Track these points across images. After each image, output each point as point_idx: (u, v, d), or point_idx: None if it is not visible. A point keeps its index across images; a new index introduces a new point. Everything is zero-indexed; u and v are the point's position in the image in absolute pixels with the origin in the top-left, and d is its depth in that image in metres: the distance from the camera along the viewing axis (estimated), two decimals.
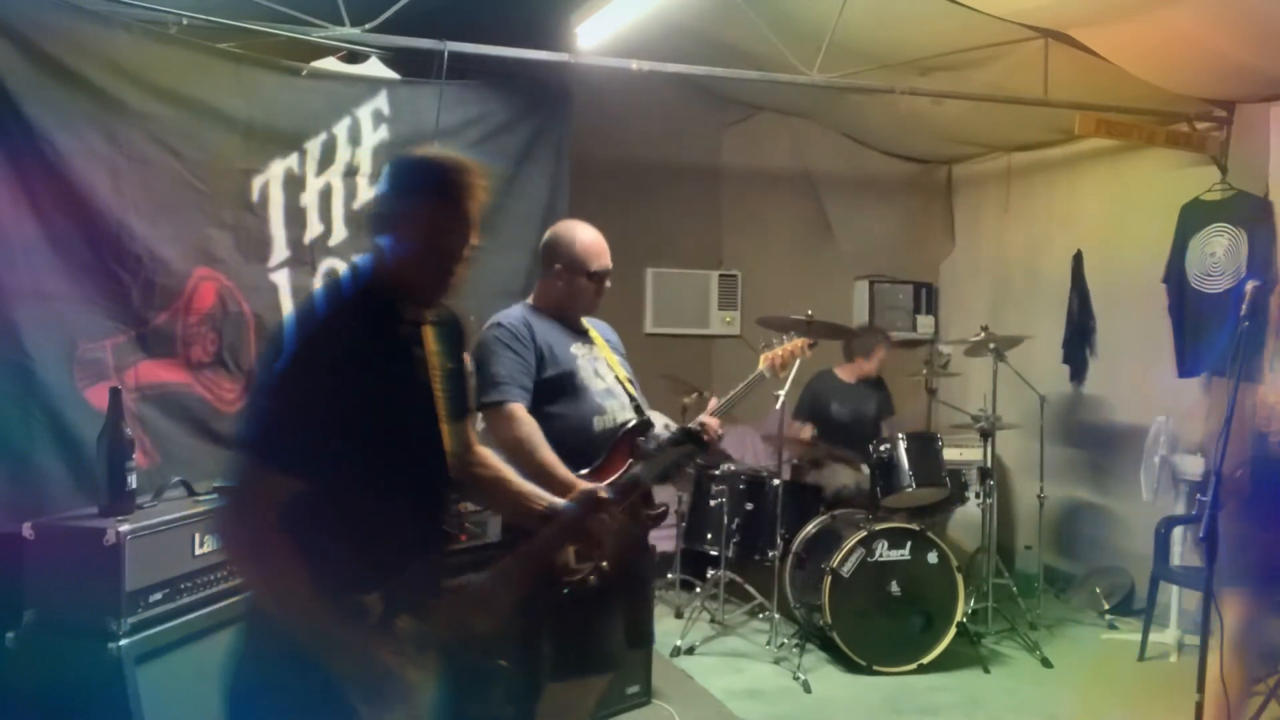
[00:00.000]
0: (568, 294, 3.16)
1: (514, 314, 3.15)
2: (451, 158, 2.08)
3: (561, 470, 2.90)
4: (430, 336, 2.12)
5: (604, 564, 2.84)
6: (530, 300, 3.25)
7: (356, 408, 1.90)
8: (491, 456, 2.38)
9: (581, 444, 3.02)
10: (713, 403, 3.24)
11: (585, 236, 3.18)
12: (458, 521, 2.25)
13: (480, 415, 3.07)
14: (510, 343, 3.04)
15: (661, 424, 3.37)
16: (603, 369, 3.17)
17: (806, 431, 5.92)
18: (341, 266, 4.55)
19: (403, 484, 2.01)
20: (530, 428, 2.97)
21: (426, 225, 2.02)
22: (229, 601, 3.19)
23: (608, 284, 3.20)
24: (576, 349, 3.15)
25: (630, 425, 3.12)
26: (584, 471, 2.99)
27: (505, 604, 2.14)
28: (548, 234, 3.25)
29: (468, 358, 2.79)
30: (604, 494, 2.17)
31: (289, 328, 2.05)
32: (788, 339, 3.59)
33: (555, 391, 3.06)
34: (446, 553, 2.14)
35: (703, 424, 3.11)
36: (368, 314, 2.02)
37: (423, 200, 2.03)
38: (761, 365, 3.43)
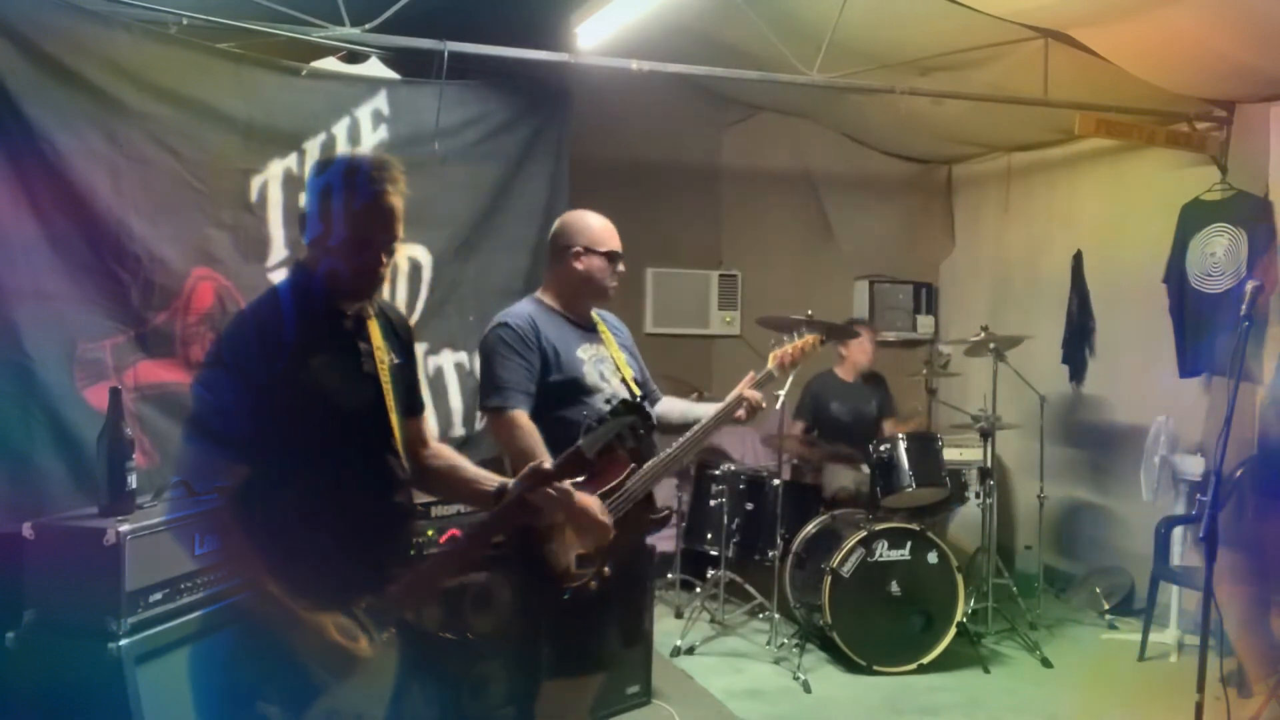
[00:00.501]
0: (585, 277, 3.16)
1: (521, 312, 3.14)
2: (365, 155, 2.23)
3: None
4: (374, 331, 2.23)
5: (605, 569, 2.85)
6: (540, 294, 3.24)
7: (286, 395, 2.03)
8: (445, 449, 2.47)
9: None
10: (749, 378, 3.31)
11: (598, 220, 3.21)
12: (413, 507, 2.35)
13: (481, 416, 3.09)
14: (515, 344, 3.03)
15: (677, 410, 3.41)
16: (609, 371, 3.16)
17: (797, 428, 5.92)
18: None
19: (348, 468, 2.11)
20: (530, 434, 2.97)
21: (343, 221, 2.13)
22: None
23: (621, 268, 3.21)
24: (584, 351, 3.14)
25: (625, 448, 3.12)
26: (581, 479, 2.99)
27: (497, 601, 2.26)
28: (557, 223, 3.26)
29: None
30: (546, 466, 2.25)
31: (230, 327, 2.24)
32: (796, 337, 3.59)
33: (560, 396, 3.05)
34: (404, 536, 2.25)
35: (745, 392, 3.22)
36: (299, 308, 2.13)
37: (336, 197, 2.14)
38: (770, 364, 3.44)
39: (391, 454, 2.20)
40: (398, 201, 2.17)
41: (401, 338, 2.35)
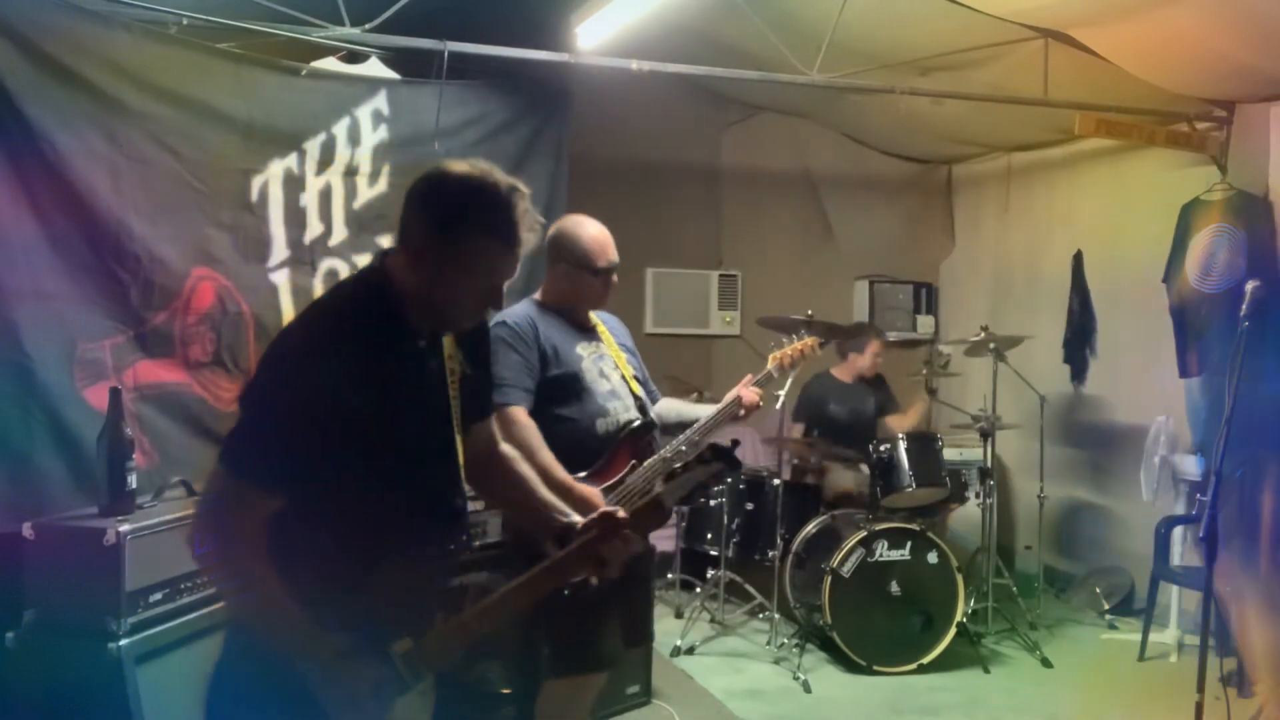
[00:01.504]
0: (574, 290, 3.16)
1: (519, 311, 3.14)
2: (510, 187, 1.89)
3: (560, 473, 2.91)
4: (449, 342, 1.99)
5: None
6: (537, 296, 3.24)
7: (343, 425, 1.77)
8: (516, 458, 2.25)
9: (584, 446, 3.03)
10: (748, 379, 3.32)
11: (590, 232, 3.16)
12: (466, 539, 2.10)
13: None
14: (514, 342, 3.04)
15: (674, 412, 3.41)
16: (608, 369, 3.16)
17: (797, 429, 5.92)
18: (341, 266, 4.56)
19: (400, 502, 1.89)
20: (530, 431, 2.97)
21: (475, 263, 1.85)
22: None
23: (614, 279, 3.20)
24: (582, 349, 3.14)
25: (632, 427, 3.13)
26: (582, 475, 3.00)
27: (506, 623, 2.02)
28: (552, 230, 3.24)
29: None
30: (623, 515, 2.00)
31: (282, 340, 1.92)
32: (796, 338, 3.60)
33: (559, 392, 3.05)
34: (448, 571, 2.01)
35: (743, 392, 3.23)
36: (369, 329, 1.86)
37: (478, 236, 1.85)
38: (770, 365, 3.44)
39: (450, 488, 2.00)
40: (530, 246, 1.92)
41: (476, 343, 2.09)
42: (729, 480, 2.48)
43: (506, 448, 2.24)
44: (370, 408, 1.80)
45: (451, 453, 1.98)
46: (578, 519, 2.10)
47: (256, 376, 1.86)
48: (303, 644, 1.78)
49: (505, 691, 3.22)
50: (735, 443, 2.21)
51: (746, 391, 3.31)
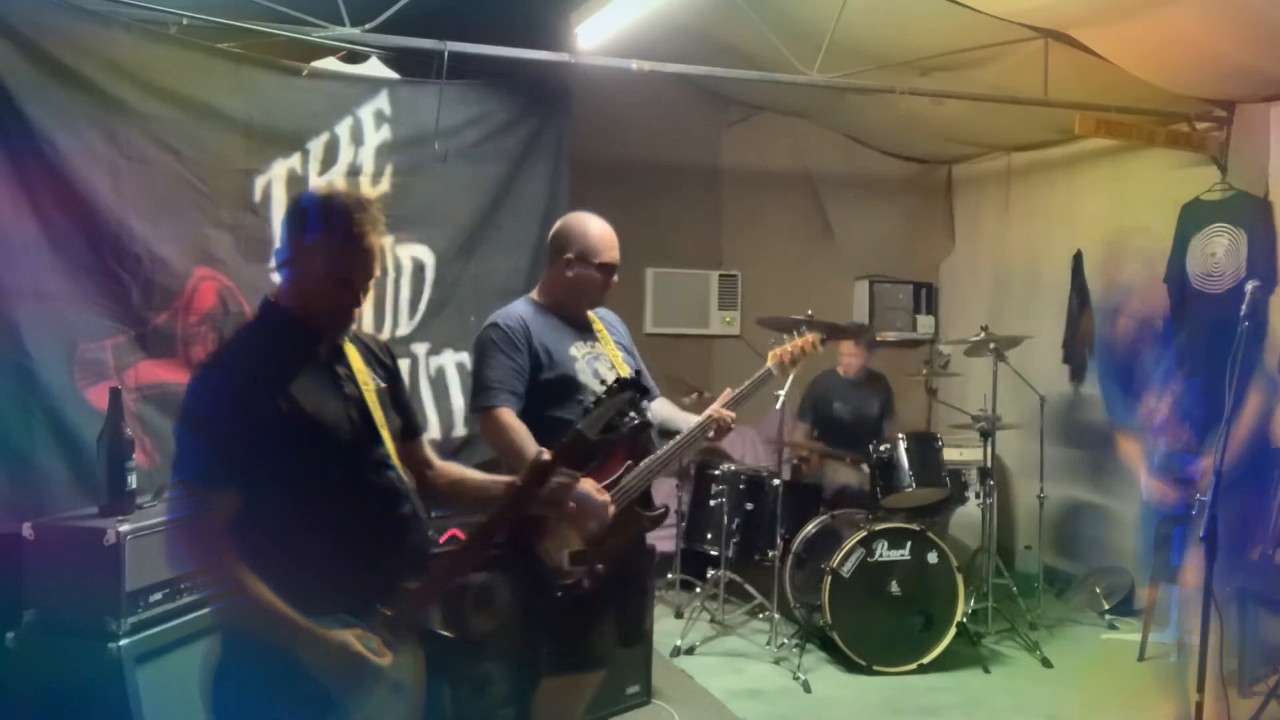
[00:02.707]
0: (575, 285, 3.15)
1: (512, 312, 3.14)
2: (340, 195, 2.17)
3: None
4: (353, 355, 2.23)
5: (599, 567, 2.85)
6: (534, 294, 3.24)
7: (272, 422, 2.02)
8: (449, 465, 2.46)
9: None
10: (725, 395, 3.27)
11: (596, 228, 3.17)
12: (422, 517, 2.29)
13: (473, 417, 3.07)
14: (504, 344, 3.03)
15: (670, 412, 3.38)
16: (603, 368, 3.15)
17: (799, 428, 5.92)
18: None
19: (346, 486, 2.10)
20: (518, 433, 2.96)
21: (318, 258, 2.12)
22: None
23: (615, 278, 3.20)
24: (576, 349, 3.13)
25: (629, 427, 3.12)
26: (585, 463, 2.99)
27: (496, 601, 2.25)
28: (557, 224, 3.24)
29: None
30: (547, 456, 2.24)
31: (211, 356, 2.29)
32: (796, 337, 3.56)
33: (553, 394, 3.05)
34: (413, 547, 2.20)
35: (715, 414, 3.17)
36: (274, 338, 2.14)
37: (312, 236, 2.12)
38: (770, 362, 3.42)
39: (389, 469, 2.19)
40: (377, 242, 2.15)
41: (383, 362, 2.34)
42: (641, 406, 2.52)
43: (439, 463, 2.44)
44: (290, 403, 2.05)
45: (378, 440, 2.19)
46: (516, 480, 2.31)
47: (184, 403, 2.10)
48: (288, 630, 1.96)
49: (505, 690, 3.23)
50: (638, 372, 2.67)
51: (721, 411, 3.23)
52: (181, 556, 2.11)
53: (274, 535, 2.01)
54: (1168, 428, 4.40)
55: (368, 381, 2.22)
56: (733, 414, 3.24)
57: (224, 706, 2.04)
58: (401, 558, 2.15)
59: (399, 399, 2.35)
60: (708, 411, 3.23)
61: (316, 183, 2.30)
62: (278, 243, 2.23)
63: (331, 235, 2.10)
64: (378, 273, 2.17)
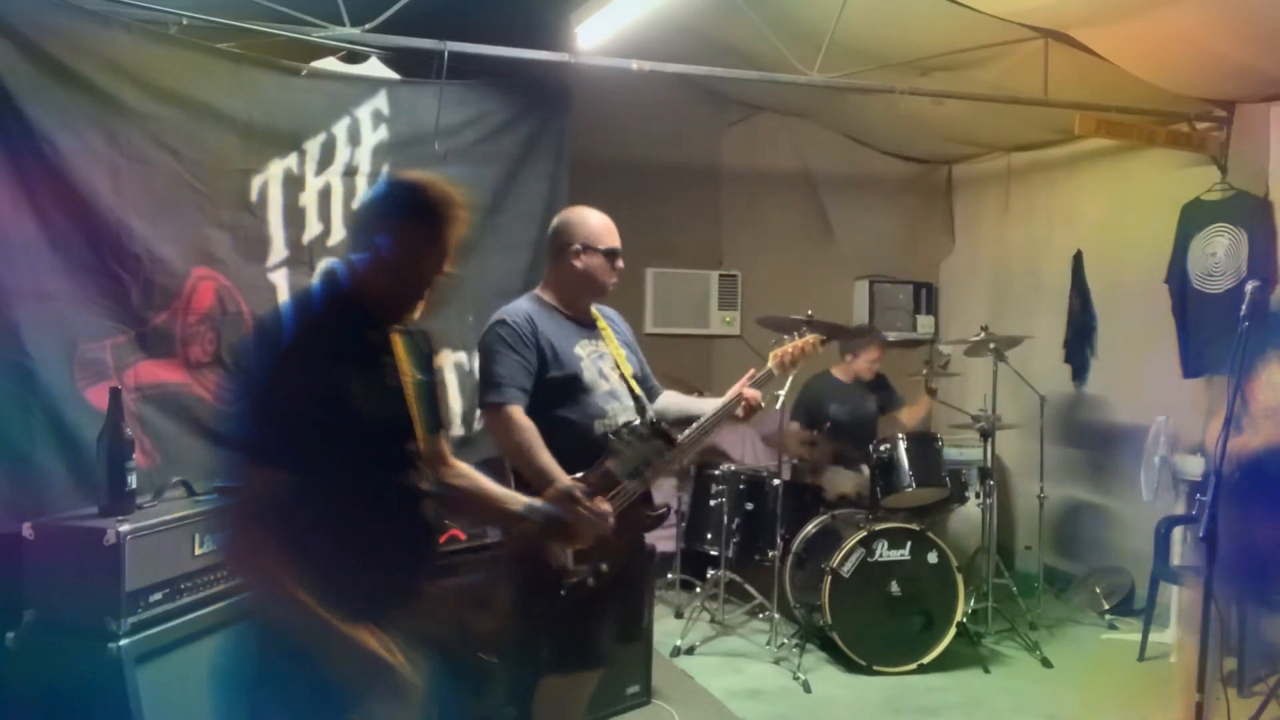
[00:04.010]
0: (585, 274, 3.15)
1: (518, 310, 3.14)
2: (438, 185, 2.15)
3: (558, 473, 2.91)
4: (399, 345, 2.18)
5: (603, 567, 2.85)
6: (539, 292, 3.24)
7: (329, 404, 1.98)
8: (466, 468, 2.41)
9: (583, 446, 3.02)
10: (748, 376, 3.29)
11: (596, 216, 3.21)
12: (439, 522, 2.29)
13: (480, 415, 3.07)
14: (512, 342, 3.03)
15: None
16: (608, 368, 3.16)
17: (797, 429, 5.91)
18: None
19: (377, 481, 2.08)
20: (527, 431, 2.97)
21: (404, 247, 2.09)
22: (229, 601, 3.18)
23: (620, 265, 3.21)
24: (581, 348, 3.14)
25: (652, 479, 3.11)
26: (579, 475, 3.00)
27: (497, 601, 2.20)
28: (556, 220, 3.26)
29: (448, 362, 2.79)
30: (578, 490, 2.23)
31: (264, 332, 2.21)
32: (797, 337, 3.57)
33: (558, 393, 3.05)
34: (432, 550, 2.18)
35: (745, 391, 3.20)
36: (336, 320, 2.10)
37: (404, 223, 2.10)
38: (770, 363, 3.42)
39: (416, 469, 2.17)
40: (459, 234, 2.14)
41: (424, 353, 2.30)
42: (666, 458, 2.55)
43: (455, 462, 2.39)
44: (346, 389, 2.02)
45: (413, 437, 2.16)
46: (535, 501, 2.29)
47: (276, 369, 2.02)
48: (318, 628, 1.90)
49: (505, 690, 3.23)
50: (643, 382, 2.66)
51: (748, 391, 3.28)
52: (229, 538, 2.03)
53: (296, 519, 1.96)
54: None
55: (408, 372, 2.18)
56: (759, 393, 3.26)
57: (247, 698, 2.01)
58: (417, 559, 2.14)
59: (432, 393, 2.31)
60: (735, 389, 3.25)
61: (413, 173, 2.23)
62: (354, 228, 2.24)
63: (419, 223, 2.09)
64: (450, 269, 2.16)
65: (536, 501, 2.30)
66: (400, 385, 2.15)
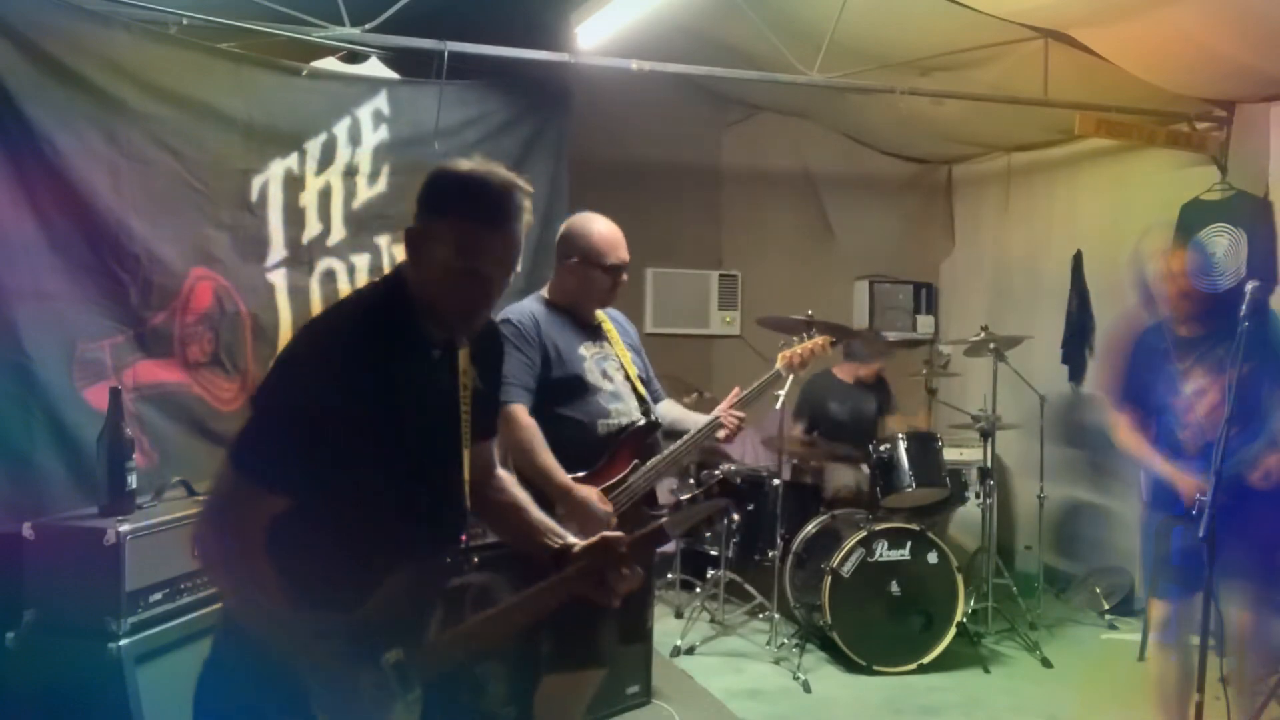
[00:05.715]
0: (582, 288, 3.16)
1: (523, 309, 3.14)
2: (497, 175, 1.87)
3: (560, 474, 2.91)
4: (463, 355, 1.96)
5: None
6: (544, 292, 3.24)
7: (350, 430, 1.77)
8: (510, 482, 2.22)
9: (585, 446, 3.03)
10: (733, 395, 3.28)
11: (601, 229, 3.17)
12: (462, 554, 2.15)
13: None
14: (516, 340, 3.04)
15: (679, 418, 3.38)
16: (611, 369, 3.16)
17: (797, 429, 5.92)
18: (338, 266, 4.55)
19: (402, 511, 1.88)
20: (530, 430, 2.97)
21: (464, 249, 1.82)
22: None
23: (624, 277, 3.20)
24: (585, 349, 3.14)
25: (635, 428, 3.12)
26: (582, 474, 3.00)
27: (501, 642, 2.00)
28: (563, 226, 3.25)
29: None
30: (623, 547, 1.94)
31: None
32: (807, 337, 3.57)
33: (561, 393, 3.05)
34: (443, 584, 2.01)
35: (723, 416, 3.19)
36: (383, 336, 1.85)
37: (461, 222, 1.83)
38: (779, 364, 3.42)
39: (453, 500, 1.97)
40: (521, 232, 1.87)
41: (490, 360, 2.09)
42: (733, 516, 2.52)
43: (502, 472, 2.21)
44: (378, 415, 1.80)
45: (458, 464, 1.96)
46: (574, 540, 2.06)
47: (269, 377, 1.85)
48: (296, 646, 1.76)
49: (505, 690, 3.23)
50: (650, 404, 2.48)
51: (727, 416, 3.26)
52: (204, 542, 1.82)
53: (299, 542, 1.79)
54: None
55: (468, 384, 1.96)
56: (742, 414, 3.25)
57: (207, 705, 1.86)
58: (430, 596, 1.95)
59: (490, 400, 2.11)
60: (716, 411, 3.25)
61: (464, 162, 1.90)
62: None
63: (469, 217, 1.82)
64: (517, 267, 1.91)
65: (575, 542, 2.05)
66: (457, 404, 1.94)
